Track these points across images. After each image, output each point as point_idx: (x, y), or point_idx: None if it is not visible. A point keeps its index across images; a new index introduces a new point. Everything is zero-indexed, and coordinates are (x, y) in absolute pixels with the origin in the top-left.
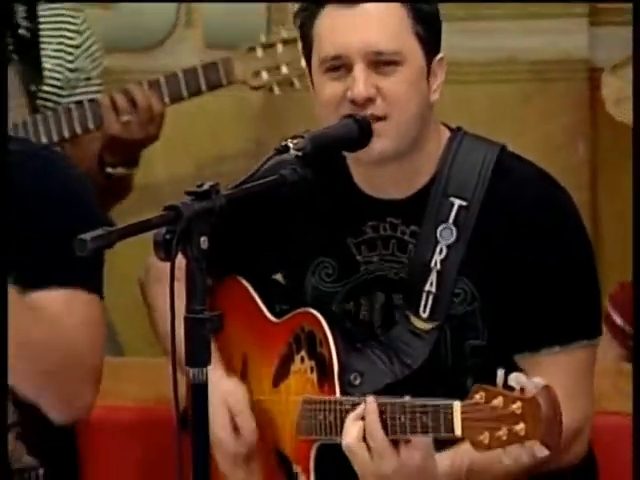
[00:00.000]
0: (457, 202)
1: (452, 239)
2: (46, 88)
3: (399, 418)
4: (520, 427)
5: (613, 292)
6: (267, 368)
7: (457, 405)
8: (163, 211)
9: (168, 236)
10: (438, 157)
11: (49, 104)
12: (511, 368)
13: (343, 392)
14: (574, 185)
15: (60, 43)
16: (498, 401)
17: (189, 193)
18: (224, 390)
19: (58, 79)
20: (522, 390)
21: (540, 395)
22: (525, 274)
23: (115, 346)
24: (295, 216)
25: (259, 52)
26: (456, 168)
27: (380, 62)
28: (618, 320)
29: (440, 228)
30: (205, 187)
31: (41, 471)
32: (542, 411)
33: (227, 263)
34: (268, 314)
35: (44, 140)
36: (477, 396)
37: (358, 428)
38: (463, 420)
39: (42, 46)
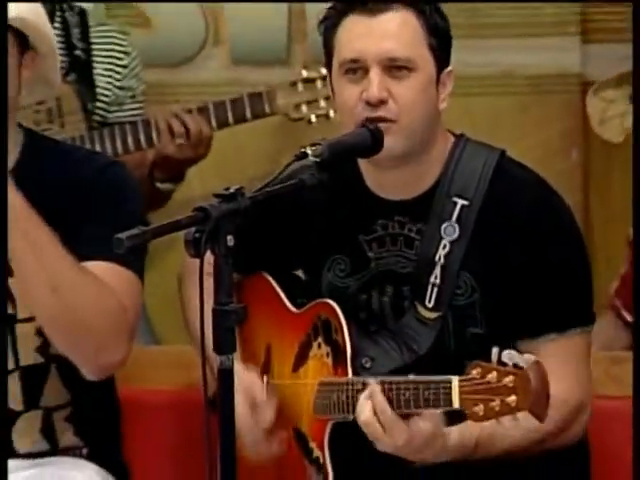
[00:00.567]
0: (460, 202)
1: (455, 236)
2: (97, 104)
3: (403, 394)
4: (512, 399)
5: (617, 288)
6: (288, 355)
7: (455, 380)
8: (192, 212)
9: (197, 235)
10: (443, 161)
11: (97, 118)
12: None
13: (355, 374)
14: (568, 187)
15: (110, 63)
16: (492, 376)
17: (217, 195)
18: (242, 379)
19: (108, 96)
20: (514, 365)
21: (530, 369)
22: (522, 269)
23: (152, 337)
24: (313, 217)
25: (300, 86)
26: (459, 171)
27: (394, 67)
28: (628, 317)
29: (444, 226)
30: (231, 190)
31: (85, 450)
32: (532, 384)
33: (253, 260)
34: (290, 306)
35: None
36: (474, 372)
37: (370, 406)
38: (460, 393)
39: (94, 65)
